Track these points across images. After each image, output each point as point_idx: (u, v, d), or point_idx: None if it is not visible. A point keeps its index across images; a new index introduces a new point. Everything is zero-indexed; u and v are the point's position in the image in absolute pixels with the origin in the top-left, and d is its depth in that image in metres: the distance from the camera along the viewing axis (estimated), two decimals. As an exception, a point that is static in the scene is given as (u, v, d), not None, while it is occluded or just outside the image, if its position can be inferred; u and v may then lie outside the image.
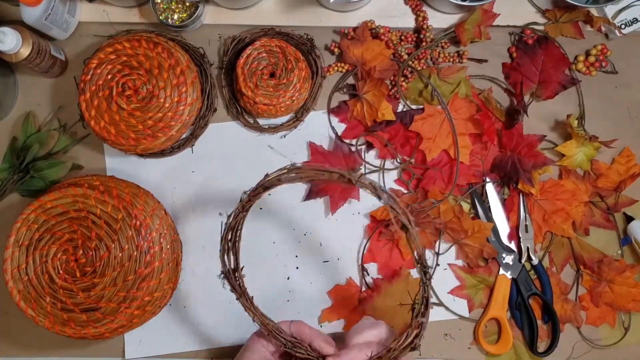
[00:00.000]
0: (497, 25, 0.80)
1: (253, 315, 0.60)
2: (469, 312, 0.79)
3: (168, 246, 0.72)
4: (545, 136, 0.79)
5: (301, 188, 0.80)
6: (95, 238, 0.67)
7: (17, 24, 0.73)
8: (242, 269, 0.61)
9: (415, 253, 0.55)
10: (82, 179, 0.73)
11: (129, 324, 0.69)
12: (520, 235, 0.78)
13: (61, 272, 0.68)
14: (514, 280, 0.78)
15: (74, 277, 0.68)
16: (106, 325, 0.67)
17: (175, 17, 0.78)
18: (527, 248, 0.78)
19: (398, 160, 0.80)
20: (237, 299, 0.61)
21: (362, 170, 0.80)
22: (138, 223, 0.68)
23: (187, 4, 0.78)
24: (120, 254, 0.67)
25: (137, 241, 0.67)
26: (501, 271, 0.78)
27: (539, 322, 0.78)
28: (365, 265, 0.79)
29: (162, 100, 0.71)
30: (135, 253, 0.67)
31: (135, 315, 0.68)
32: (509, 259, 0.78)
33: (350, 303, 0.78)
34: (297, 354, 0.60)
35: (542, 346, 0.77)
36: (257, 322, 0.60)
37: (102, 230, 0.67)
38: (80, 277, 0.68)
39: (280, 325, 0.62)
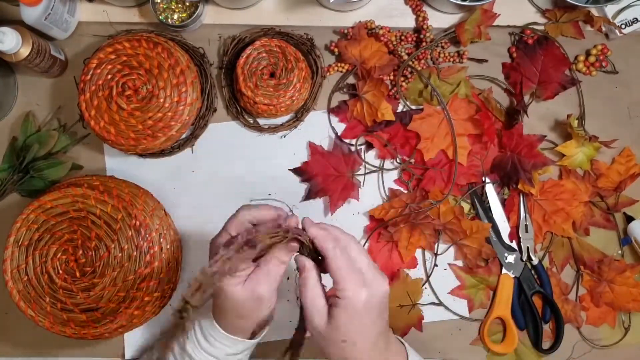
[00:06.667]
0: (497, 26, 0.80)
1: None
2: (469, 312, 0.79)
3: (168, 246, 0.72)
4: (546, 136, 0.79)
5: (300, 188, 0.80)
6: (95, 238, 0.67)
7: (17, 23, 0.73)
8: None
9: None
10: (82, 179, 0.73)
11: (128, 324, 0.69)
12: (521, 235, 0.78)
13: (61, 272, 0.68)
14: (516, 279, 0.78)
15: (74, 277, 0.68)
16: (106, 325, 0.67)
17: (175, 17, 0.78)
18: (527, 248, 0.78)
19: (398, 161, 0.80)
20: None
21: (362, 171, 0.80)
22: (138, 223, 0.68)
23: (187, 3, 0.78)
24: (120, 254, 0.67)
25: (136, 241, 0.67)
26: (504, 270, 0.78)
27: (539, 322, 0.78)
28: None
29: (161, 100, 0.71)
30: (135, 253, 0.67)
31: (135, 316, 0.68)
32: (511, 258, 0.78)
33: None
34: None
35: (544, 345, 0.77)
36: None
37: (102, 230, 0.67)
38: (80, 277, 0.68)
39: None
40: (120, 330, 0.70)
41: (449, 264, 0.79)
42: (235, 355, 0.62)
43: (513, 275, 0.78)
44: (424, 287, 0.79)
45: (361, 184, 0.80)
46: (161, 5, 0.78)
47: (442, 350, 0.78)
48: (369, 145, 0.80)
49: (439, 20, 0.81)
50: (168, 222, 0.74)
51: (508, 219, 0.78)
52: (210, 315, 0.60)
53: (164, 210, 0.75)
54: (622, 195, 0.79)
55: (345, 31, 0.80)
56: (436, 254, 0.79)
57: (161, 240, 0.70)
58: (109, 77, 0.71)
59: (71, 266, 0.68)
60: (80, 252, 0.68)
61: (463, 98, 0.78)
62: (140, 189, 0.75)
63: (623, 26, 0.80)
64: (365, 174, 0.80)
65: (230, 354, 0.61)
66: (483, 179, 0.79)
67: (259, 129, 0.80)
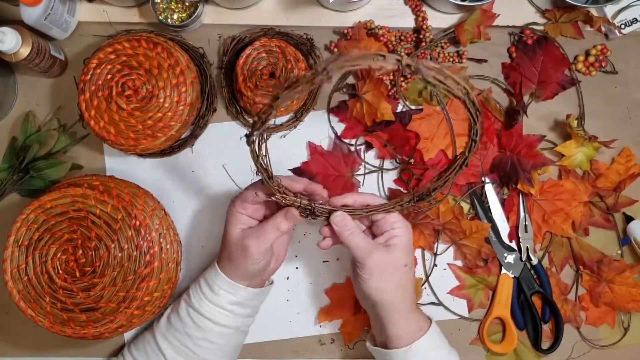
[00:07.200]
0: (497, 26, 0.80)
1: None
2: (469, 312, 0.79)
3: (168, 246, 0.72)
4: (545, 136, 0.79)
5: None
6: (94, 238, 0.67)
7: (17, 23, 0.73)
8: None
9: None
10: (82, 179, 0.73)
11: (128, 324, 0.69)
12: (520, 236, 0.78)
13: (61, 272, 0.68)
14: (516, 279, 0.78)
15: (74, 277, 0.68)
16: (106, 325, 0.67)
17: (175, 17, 0.78)
18: (527, 248, 0.78)
19: (397, 161, 0.80)
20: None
21: (362, 171, 0.80)
22: (138, 223, 0.68)
23: (187, 3, 0.78)
24: (119, 254, 0.67)
25: (136, 241, 0.68)
26: (503, 270, 0.78)
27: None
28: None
29: (161, 100, 0.71)
30: (134, 253, 0.67)
31: (135, 315, 0.68)
32: (510, 258, 0.78)
33: (348, 303, 0.78)
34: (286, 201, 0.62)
35: (544, 345, 0.77)
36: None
37: (102, 230, 0.67)
38: (79, 277, 0.68)
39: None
40: (120, 330, 0.70)
41: (448, 264, 0.79)
42: (238, 304, 0.69)
43: (512, 275, 0.78)
44: (423, 287, 0.79)
45: (361, 184, 0.80)
46: (161, 5, 0.78)
47: (441, 350, 0.78)
48: (369, 145, 0.80)
49: (439, 20, 0.81)
50: (168, 222, 0.74)
51: (507, 219, 0.79)
52: (215, 266, 0.69)
53: (164, 210, 0.75)
54: (621, 195, 0.79)
55: (345, 31, 0.80)
56: (435, 254, 0.79)
57: (161, 240, 0.71)
58: (109, 77, 0.71)
59: (71, 266, 0.68)
60: (80, 252, 0.68)
61: (463, 98, 0.78)
62: (140, 189, 0.75)
63: (623, 26, 0.80)
64: (365, 174, 0.80)
65: (234, 303, 0.68)
66: (482, 179, 0.79)
67: (259, 129, 0.80)
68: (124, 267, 0.67)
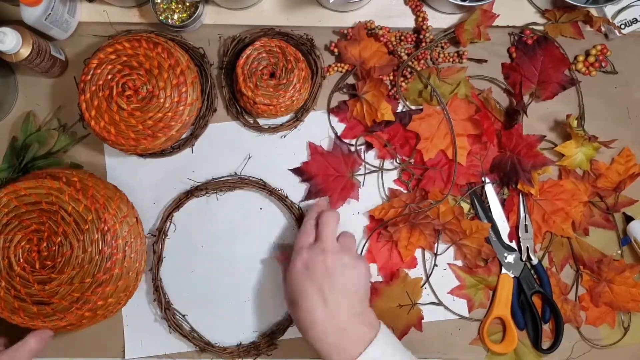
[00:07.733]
0: (497, 26, 0.80)
1: None
2: (469, 312, 0.79)
3: (132, 255, 0.71)
4: (545, 136, 0.79)
5: (301, 188, 0.80)
6: (61, 234, 0.67)
7: (17, 24, 0.73)
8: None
9: None
10: (61, 172, 0.71)
11: (77, 324, 0.69)
12: (520, 235, 0.78)
13: (21, 260, 0.67)
14: (516, 278, 0.78)
15: (33, 267, 0.67)
16: (54, 321, 0.67)
17: (175, 17, 0.78)
18: (527, 248, 0.78)
19: (397, 161, 0.80)
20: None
21: (362, 171, 0.80)
22: (106, 228, 0.67)
23: (187, 4, 0.78)
24: (82, 255, 0.66)
25: (101, 246, 0.67)
26: (503, 270, 0.78)
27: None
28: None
29: (162, 100, 0.71)
30: (96, 257, 0.67)
31: (85, 317, 0.68)
32: (510, 258, 0.78)
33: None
34: None
35: (544, 345, 0.77)
36: None
37: (70, 227, 0.66)
38: (38, 269, 0.67)
39: None
40: (68, 328, 0.69)
41: (448, 264, 0.79)
42: None
43: (513, 275, 0.78)
44: (423, 287, 0.79)
45: (361, 184, 0.80)
46: (161, 5, 0.78)
47: (441, 350, 0.78)
48: (369, 146, 0.80)
49: (439, 20, 0.81)
50: (138, 230, 0.73)
51: (507, 219, 0.79)
52: None
53: (137, 217, 0.74)
54: (621, 195, 0.79)
55: (345, 31, 0.80)
56: (436, 254, 0.79)
57: (126, 248, 0.70)
58: (109, 77, 0.71)
59: (32, 256, 0.67)
60: (45, 244, 0.67)
61: (463, 98, 0.78)
62: (117, 192, 0.73)
63: (622, 26, 0.80)
64: (365, 174, 0.80)
65: None
66: (482, 179, 0.79)
67: (259, 129, 0.80)
68: (84, 268, 0.66)
